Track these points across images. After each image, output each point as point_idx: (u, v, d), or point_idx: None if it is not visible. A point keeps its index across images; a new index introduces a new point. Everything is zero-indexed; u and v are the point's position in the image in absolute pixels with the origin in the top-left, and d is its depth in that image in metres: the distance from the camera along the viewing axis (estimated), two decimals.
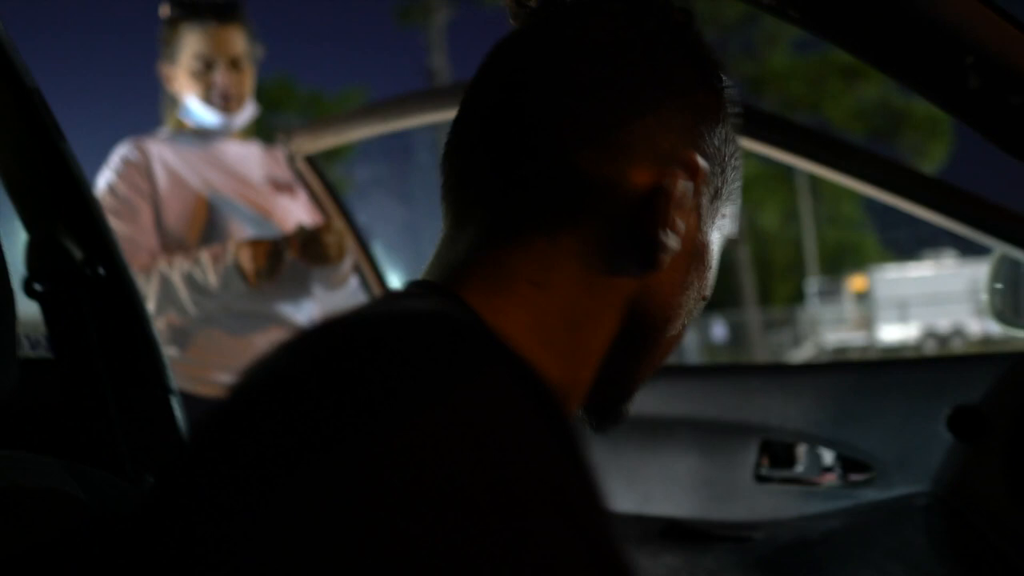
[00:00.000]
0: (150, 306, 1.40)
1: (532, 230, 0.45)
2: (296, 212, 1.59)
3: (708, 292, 0.51)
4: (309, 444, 0.31)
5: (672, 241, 0.45)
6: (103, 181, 1.53)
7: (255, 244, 1.42)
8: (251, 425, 0.34)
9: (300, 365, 0.36)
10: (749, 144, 1.13)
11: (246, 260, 1.39)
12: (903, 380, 1.13)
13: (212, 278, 1.40)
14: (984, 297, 1.24)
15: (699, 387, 1.25)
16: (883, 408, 1.13)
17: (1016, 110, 0.76)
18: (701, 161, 0.45)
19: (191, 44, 1.56)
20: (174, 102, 1.63)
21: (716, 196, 0.48)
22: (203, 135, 1.62)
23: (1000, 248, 1.12)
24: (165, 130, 1.65)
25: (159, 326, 1.45)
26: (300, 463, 0.31)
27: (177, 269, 1.42)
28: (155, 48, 1.61)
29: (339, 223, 1.50)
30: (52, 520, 0.44)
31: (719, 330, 18.01)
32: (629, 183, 0.44)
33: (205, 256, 1.42)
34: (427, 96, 1.29)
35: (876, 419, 1.13)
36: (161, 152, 1.57)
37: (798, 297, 20.20)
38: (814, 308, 19.23)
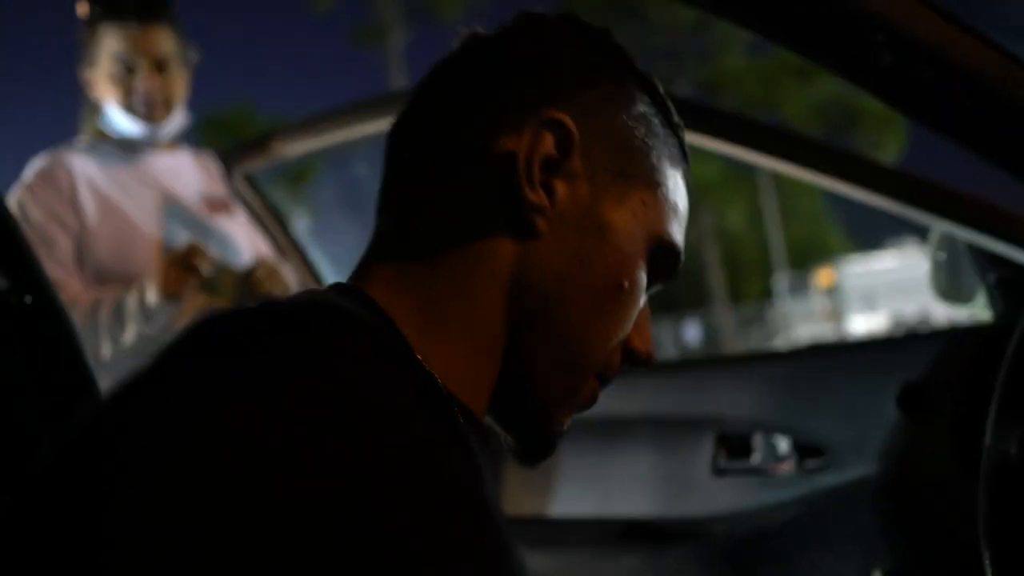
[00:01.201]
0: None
1: (425, 210, 0.47)
2: (237, 233, 1.49)
3: (629, 281, 0.47)
4: (171, 433, 0.33)
5: (542, 201, 0.45)
6: (15, 203, 1.38)
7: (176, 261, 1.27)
8: (119, 422, 0.35)
9: (171, 356, 0.37)
10: (710, 143, 1.13)
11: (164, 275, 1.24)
12: (851, 363, 1.13)
13: (130, 326, 1.26)
14: (928, 277, 1.24)
15: (653, 384, 1.24)
16: (834, 391, 1.13)
17: (928, 85, 0.76)
18: (568, 121, 0.45)
19: (110, 45, 1.42)
20: (95, 110, 1.49)
21: (622, 175, 0.48)
22: (127, 147, 1.48)
23: (939, 226, 1.13)
24: (83, 140, 1.50)
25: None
26: (162, 450, 0.32)
27: (100, 313, 1.28)
28: (77, 52, 1.47)
29: (285, 244, 1.45)
30: None
31: (692, 332, 18.13)
32: (502, 146, 0.46)
33: (131, 299, 1.28)
34: (363, 107, 1.27)
35: (828, 403, 1.12)
36: (86, 171, 1.43)
37: (768, 294, 20.44)
38: (784, 304, 19.47)
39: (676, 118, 0.52)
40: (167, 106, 1.46)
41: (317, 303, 0.40)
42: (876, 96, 0.84)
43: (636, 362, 0.51)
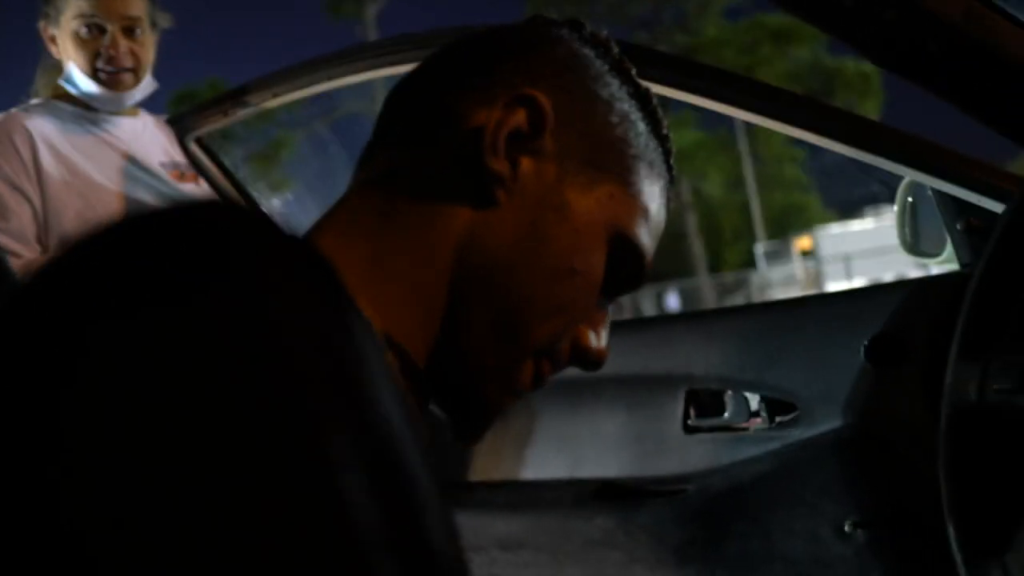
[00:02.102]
0: None
1: (393, 170, 0.48)
2: None
3: (582, 266, 0.47)
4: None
5: (503, 170, 0.46)
6: None
7: None
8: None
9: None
10: (688, 97, 1.11)
11: None
12: (820, 315, 1.12)
13: None
14: (896, 231, 1.24)
15: (622, 342, 1.22)
16: (803, 345, 1.12)
17: (889, 24, 0.75)
18: (543, 100, 0.46)
19: (77, 3, 1.34)
20: (55, 68, 1.42)
21: (593, 165, 0.48)
22: (89, 108, 1.41)
23: (908, 175, 1.12)
24: (38, 101, 1.42)
25: None
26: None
27: None
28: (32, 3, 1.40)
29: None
30: None
31: (673, 300, 18.23)
32: (475, 116, 0.47)
33: None
34: (321, 61, 1.23)
35: (797, 357, 1.12)
36: (45, 133, 1.35)
37: (748, 261, 20.58)
38: (764, 271, 19.62)
39: (665, 131, 0.53)
40: (136, 73, 1.40)
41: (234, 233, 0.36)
42: (840, 39, 0.82)
43: (586, 360, 0.50)
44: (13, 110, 1.39)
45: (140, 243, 0.28)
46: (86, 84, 1.38)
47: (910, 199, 1.21)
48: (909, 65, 0.80)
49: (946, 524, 0.74)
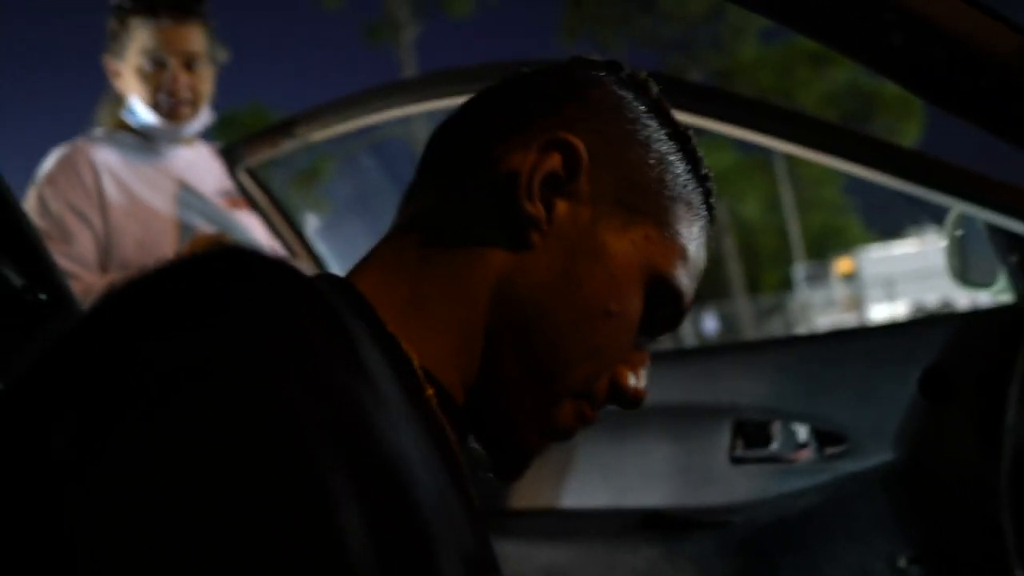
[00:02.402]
0: None
1: (433, 212, 0.49)
2: (256, 228, 1.50)
3: (617, 308, 0.48)
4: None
5: (538, 213, 0.46)
6: (34, 195, 1.37)
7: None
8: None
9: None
10: (727, 129, 1.12)
11: None
12: (871, 348, 1.11)
13: None
14: (945, 261, 1.22)
15: (667, 372, 1.23)
16: (853, 377, 1.11)
17: (940, 62, 0.75)
18: (579, 144, 0.47)
19: (141, 39, 1.40)
20: (118, 100, 1.48)
21: (630, 207, 0.49)
22: (148, 139, 1.47)
23: (959, 207, 1.11)
24: (100, 131, 1.48)
25: None
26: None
27: None
28: (98, 40, 1.45)
29: (292, 239, 1.45)
30: None
31: (710, 323, 18.02)
32: (512, 160, 0.48)
33: None
34: (365, 96, 1.27)
35: (847, 389, 1.11)
36: (108, 162, 1.41)
37: (786, 284, 20.26)
38: (803, 293, 19.30)
39: (706, 171, 0.53)
40: (194, 105, 1.46)
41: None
42: (888, 77, 0.82)
43: (623, 400, 0.50)
44: (78, 140, 1.45)
45: (162, 299, 0.33)
46: (147, 116, 1.44)
47: (959, 231, 1.20)
48: (958, 101, 0.80)
49: (1012, 568, 0.73)
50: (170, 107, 1.43)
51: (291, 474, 0.28)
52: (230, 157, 1.57)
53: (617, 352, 0.49)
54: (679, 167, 0.51)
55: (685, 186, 0.51)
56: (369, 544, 0.28)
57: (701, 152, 0.53)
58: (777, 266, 20.58)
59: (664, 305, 0.50)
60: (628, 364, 0.50)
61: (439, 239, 0.48)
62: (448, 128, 0.53)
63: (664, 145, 0.51)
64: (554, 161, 0.47)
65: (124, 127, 1.48)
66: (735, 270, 17.94)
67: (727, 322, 18.06)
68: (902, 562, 1.01)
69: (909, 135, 17.91)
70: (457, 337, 0.47)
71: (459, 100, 0.56)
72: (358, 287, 0.47)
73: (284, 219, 1.58)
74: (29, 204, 1.37)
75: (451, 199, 0.49)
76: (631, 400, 0.50)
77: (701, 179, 0.53)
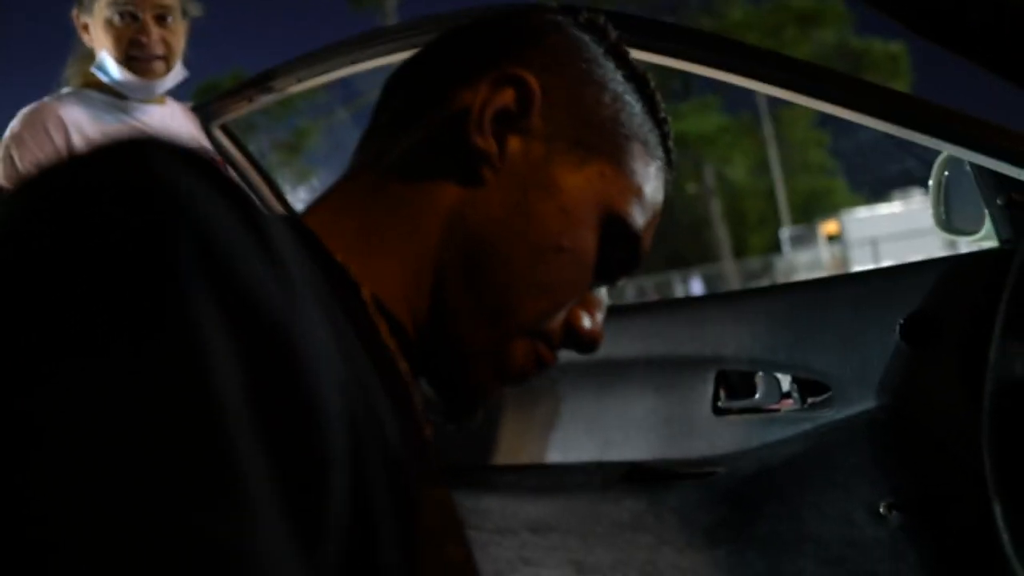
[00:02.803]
0: None
1: (385, 151, 0.49)
2: None
3: (570, 244, 0.47)
4: None
5: (489, 148, 0.46)
6: (2, 155, 1.34)
7: None
8: None
9: None
10: (721, 75, 1.09)
11: None
12: (852, 294, 1.10)
13: None
14: (931, 208, 1.21)
15: (650, 324, 1.21)
16: (835, 325, 1.10)
17: None
18: (531, 79, 0.46)
19: None
20: (87, 57, 1.43)
21: (584, 145, 0.48)
22: (119, 96, 1.42)
23: (947, 150, 1.09)
24: (69, 89, 1.43)
25: None
26: None
27: None
28: None
29: (269, 195, 1.42)
30: None
31: (697, 285, 18.10)
32: (465, 95, 0.47)
33: None
34: (342, 46, 1.22)
35: (829, 337, 1.10)
36: (78, 122, 1.37)
37: (774, 246, 20.35)
38: (790, 255, 19.39)
39: (663, 115, 0.53)
40: (167, 61, 1.41)
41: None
42: (879, 9, 0.79)
43: (579, 342, 0.50)
44: (46, 99, 1.41)
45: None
46: (118, 72, 1.38)
47: (946, 174, 1.18)
48: (949, 35, 0.77)
49: (992, 503, 0.72)
50: (141, 63, 1.38)
51: (158, 312, 0.24)
52: (204, 114, 1.52)
53: (571, 290, 0.48)
54: (635, 108, 0.51)
55: (641, 126, 0.51)
56: (247, 404, 0.25)
57: (659, 96, 0.53)
58: (764, 229, 20.65)
59: (619, 245, 0.50)
60: (583, 305, 0.50)
61: (390, 176, 0.47)
62: (404, 72, 0.53)
63: (620, 86, 0.51)
64: (506, 96, 0.46)
65: (94, 84, 1.43)
66: (722, 233, 17.99)
67: (714, 285, 18.15)
68: (883, 508, 1.00)
69: None
70: (408, 270, 0.46)
71: None
72: (306, 224, 0.46)
73: (261, 176, 1.54)
74: None
75: (402, 139, 0.49)
76: (587, 342, 0.50)
77: (658, 121, 0.53)
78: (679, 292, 17.88)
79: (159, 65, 1.40)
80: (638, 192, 0.50)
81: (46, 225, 0.25)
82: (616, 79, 0.51)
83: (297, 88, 1.31)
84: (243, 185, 0.31)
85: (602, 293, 0.53)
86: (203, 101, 1.55)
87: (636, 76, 0.53)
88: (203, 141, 1.50)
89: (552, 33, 0.51)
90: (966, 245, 1.25)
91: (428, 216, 0.46)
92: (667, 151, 0.54)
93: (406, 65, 0.53)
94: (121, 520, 0.21)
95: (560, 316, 0.49)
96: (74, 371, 0.22)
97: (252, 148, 1.57)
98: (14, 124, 1.36)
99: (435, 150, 0.47)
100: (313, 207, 0.49)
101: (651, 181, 0.51)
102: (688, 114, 18.39)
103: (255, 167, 1.44)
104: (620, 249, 0.50)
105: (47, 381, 0.22)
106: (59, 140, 1.35)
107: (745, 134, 19.17)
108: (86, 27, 1.42)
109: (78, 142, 1.35)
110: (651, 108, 0.53)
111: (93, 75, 1.42)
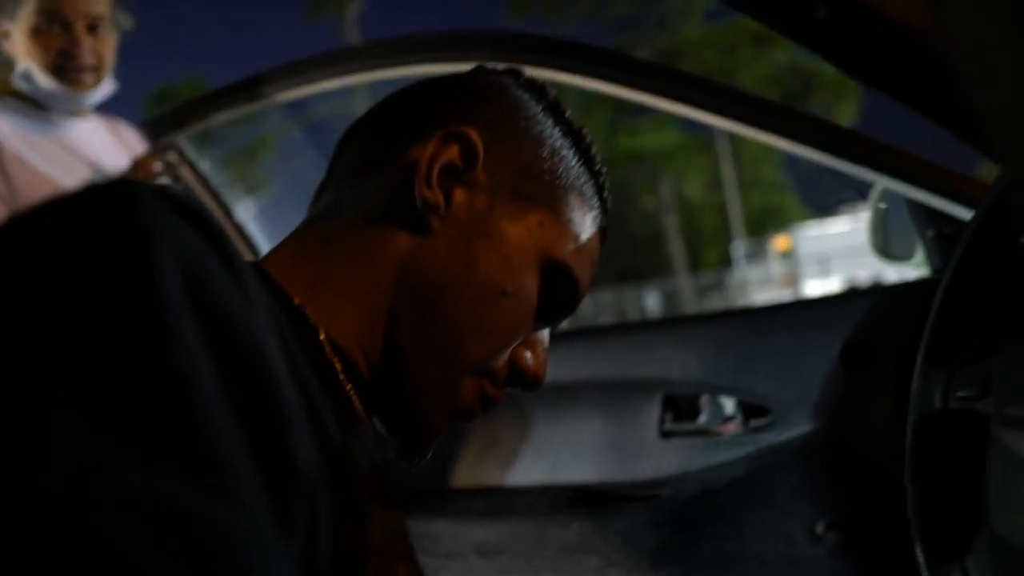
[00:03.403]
0: None
1: (339, 202, 0.52)
2: None
3: (512, 289, 0.50)
4: None
5: (436, 199, 0.49)
6: None
7: None
8: None
9: None
10: (672, 106, 1.12)
11: None
12: (795, 321, 1.13)
13: None
14: (868, 234, 1.25)
15: (599, 347, 1.23)
16: (778, 351, 1.13)
17: (863, 37, 0.76)
18: (475, 136, 0.50)
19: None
20: (6, 65, 1.36)
21: (523, 196, 0.52)
22: (40, 109, 1.36)
23: (882, 183, 1.13)
24: None
25: None
26: None
27: None
28: None
29: (220, 216, 1.40)
30: None
31: (652, 300, 18.31)
32: (414, 151, 0.51)
33: None
34: (291, 70, 1.22)
35: (772, 362, 1.13)
36: (3, 132, 1.31)
37: (727, 261, 20.72)
38: (742, 270, 19.76)
39: (599, 167, 0.57)
40: (98, 73, 1.35)
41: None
42: (812, 50, 0.83)
43: (523, 381, 0.53)
44: None
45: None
46: (45, 81, 1.32)
47: (882, 204, 1.23)
48: (879, 75, 0.81)
49: (910, 526, 0.75)
50: (72, 73, 1.32)
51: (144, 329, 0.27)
52: (155, 130, 1.48)
53: (514, 332, 0.51)
54: (572, 161, 0.55)
55: (578, 178, 0.55)
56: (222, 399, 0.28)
57: (595, 150, 0.57)
58: (717, 243, 21.01)
59: (559, 289, 0.53)
60: (527, 345, 0.53)
61: (346, 225, 0.50)
62: (355, 130, 0.56)
63: (558, 141, 0.54)
64: (452, 152, 0.49)
65: (12, 94, 1.36)
66: (677, 247, 18.26)
67: (669, 298, 18.38)
68: (819, 528, 1.03)
69: (846, 114, 18.42)
70: (362, 314, 0.48)
71: (393, 72, 0.56)
72: (267, 269, 0.48)
73: (213, 197, 1.52)
74: None
75: (354, 191, 0.52)
76: (530, 380, 0.53)
77: (594, 173, 0.57)
78: (634, 306, 18.06)
79: (89, 77, 1.34)
80: (575, 239, 0.53)
81: (54, 256, 0.28)
82: (554, 134, 0.55)
83: (253, 108, 1.30)
84: (219, 226, 0.34)
85: (544, 333, 0.56)
86: (156, 115, 1.52)
87: (573, 131, 0.56)
88: (123, 158, 1.43)
89: (495, 93, 0.54)
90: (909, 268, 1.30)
91: (381, 263, 0.49)
92: (602, 200, 0.57)
93: (359, 123, 0.56)
94: (122, 498, 0.23)
95: (505, 356, 0.52)
96: (87, 368, 0.25)
97: (212, 154, 1.55)
98: None
99: (386, 201, 0.50)
100: (273, 253, 0.51)
101: (588, 228, 0.55)
102: (645, 130, 18.69)
103: (207, 189, 1.42)
104: (560, 292, 0.53)
105: (65, 380, 0.25)
106: None
107: (701, 150, 19.53)
108: (7, 34, 1.35)
109: (13, 168, 1.30)
110: (587, 161, 0.56)
111: (10, 84, 1.35)
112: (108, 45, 1.36)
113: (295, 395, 0.33)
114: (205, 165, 1.55)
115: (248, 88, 1.26)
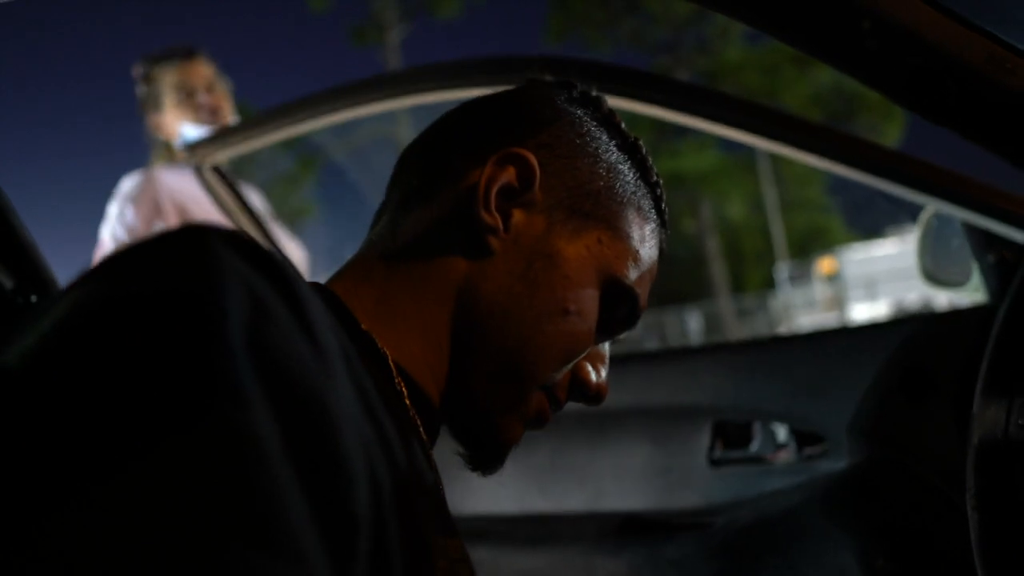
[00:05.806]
0: None
1: (399, 226, 0.53)
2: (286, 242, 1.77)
3: (575, 308, 0.50)
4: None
5: (495, 222, 0.50)
6: (113, 212, 1.70)
7: None
8: None
9: None
10: (713, 128, 1.12)
11: None
12: (849, 348, 1.11)
13: None
14: (917, 260, 1.23)
15: (646, 373, 1.22)
16: (832, 377, 1.11)
17: (914, 71, 0.75)
18: (531, 157, 0.50)
19: (169, 81, 1.79)
20: (164, 148, 1.81)
21: (581, 213, 0.52)
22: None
23: (938, 207, 1.11)
24: (158, 166, 1.81)
25: None
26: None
27: None
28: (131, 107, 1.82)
29: (261, 240, 1.44)
30: None
31: (694, 322, 18.09)
32: (472, 174, 0.51)
33: None
34: (335, 93, 1.24)
35: (826, 389, 1.11)
36: (167, 182, 1.71)
37: (769, 284, 20.39)
38: (786, 293, 19.42)
39: (656, 179, 0.57)
40: (226, 116, 1.79)
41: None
42: (864, 82, 0.82)
43: (584, 394, 0.54)
44: (148, 171, 1.76)
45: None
46: (195, 132, 1.69)
47: (934, 228, 1.20)
48: (934, 107, 0.80)
49: (974, 560, 0.73)
50: (209, 117, 1.76)
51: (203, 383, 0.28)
52: (197, 154, 1.53)
53: (578, 348, 0.52)
54: (628, 175, 0.55)
55: (635, 192, 0.55)
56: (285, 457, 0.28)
57: (651, 161, 0.57)
58: (760, 266, 20.70)
59: (619, 304, 0.53)
60: (589, 359, 0.54)
61: (406, 248, 0.51)
62: (412, 150, 0.57)
63: (613, 155, 0.54)
64: (509, 174, 0.50)
65: (173, 158, 1.80)
66: (719, 270, 18.04)
67: (710, 321, 18.14)
68: (879, 561, 1.01)
69: (890, 135, 18.07)
70: (427, 338, 0.49)
71: (440, 96, 0.57)
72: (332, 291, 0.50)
73: (252, 220, 1.55)
74: (108, 218, 1.72)
75: (414, 214, 0.52)
76: (593, 394, 0.54)
77: (651, 186, 0.57)
78: (675, 329, 17.86)
79: (221, 118, 1.80)
80: (634, 255, 0.54)
81: (118, 310, 0.29)
82: (610, 149, 0.55)
83: (296, 132, 1.33)
84: (288, 269, 0.34)
85: (605, 347, 0.57)
86: (198, 139, 1.57)
87: (628, 145, 0.56)
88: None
89: (548, 110, 0.54)
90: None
91: (442, 286, 0.50)
92: (660, 213, 0.57)
93: (415, 145, 0.57)
94: (195, 563, 0.24)
95: (567, 370, 0.53)
96: (152, 433, 0.26)
97: (257, 179, 1.63)
98: (120, 188, 1.73)
99: (445, 225, 0.51)
100: (336, 278, 0.52)
101: (646, 243, 0.55)
102: (686, 152, 18.58)
103: (247, 211, 1.46)
104: (620, 307, 0.53)
105: (129, 443, 0.25)
106: (152, 201, 1.72)
107: (742, 171, 19.34)
108: (158, 126, 1.82)
109: (168, 208, 1.71)
110: (643, 174, 0.56)
111: (170, 153, 1.80)
112: (225, 98, 1.85)
113: (357, 439, 0.33)
114: (247, 190, 1.61)
115: (291, 112, 1.29)
